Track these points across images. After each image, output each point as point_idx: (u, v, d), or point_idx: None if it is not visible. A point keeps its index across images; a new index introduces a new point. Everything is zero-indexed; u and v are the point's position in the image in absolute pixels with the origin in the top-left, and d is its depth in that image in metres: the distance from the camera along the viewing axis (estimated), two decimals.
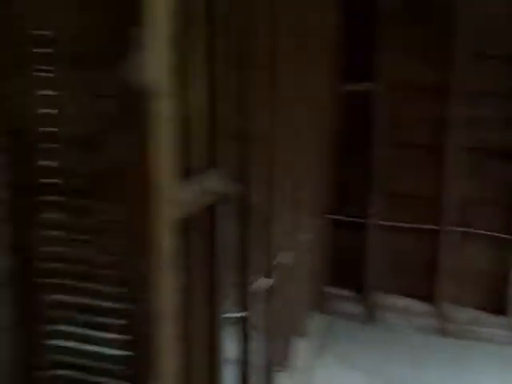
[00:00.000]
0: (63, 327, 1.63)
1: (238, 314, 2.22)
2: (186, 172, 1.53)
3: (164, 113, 1.21)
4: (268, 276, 2.53)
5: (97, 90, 1.44)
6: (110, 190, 1.51)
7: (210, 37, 1.58)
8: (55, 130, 1.55)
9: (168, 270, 1.34)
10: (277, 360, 2.86)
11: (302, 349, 3.40)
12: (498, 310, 4.16)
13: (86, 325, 1.59)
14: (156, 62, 1.16)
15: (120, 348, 1.52)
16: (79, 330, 1.60)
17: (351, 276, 4.36)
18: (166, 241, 1.31)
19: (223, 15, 1.63)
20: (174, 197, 1.34)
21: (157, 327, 1.33)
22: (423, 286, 4.26)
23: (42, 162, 1.60)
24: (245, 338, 2.30)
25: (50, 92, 1.51)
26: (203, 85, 1.57)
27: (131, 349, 1.44)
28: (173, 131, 1.26)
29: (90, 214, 1.57)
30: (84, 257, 1.56)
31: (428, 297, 4.24)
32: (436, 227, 4.18)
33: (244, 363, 2.33)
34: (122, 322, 1.51)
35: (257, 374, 2.52)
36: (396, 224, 4.26)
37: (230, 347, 2.09)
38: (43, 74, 1.51)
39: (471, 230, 4.15)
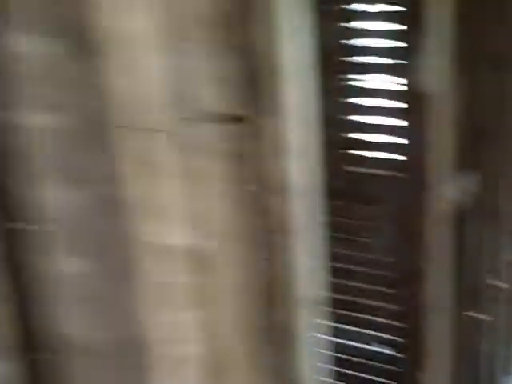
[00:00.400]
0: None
1: (480, 317, 2.18)
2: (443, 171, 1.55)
3: (442, 113, 1.26)
4: (502, 276, 2.46)
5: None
6: (369, 191, 1.57)
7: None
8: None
9: (438, 262, 1.38)
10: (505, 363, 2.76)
11: None
12: None
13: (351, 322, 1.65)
14: (437, 65, 1.21)
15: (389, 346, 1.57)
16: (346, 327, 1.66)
17: None
18: (438, 236, 1.35)
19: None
20: (442, 193, 1.38)
21: (430, 319, 1.37)
22: None
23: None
24: (485, 340, 2.26)
25: None
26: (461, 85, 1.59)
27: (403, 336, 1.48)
28: (447, 131, 1.30)
29: (348, 214, 1.63)
30: (347, 256, 1.63)
31: None
32: None
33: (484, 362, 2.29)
34: (389, 319, 1.56)
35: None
36: None
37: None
38: None
39: None
